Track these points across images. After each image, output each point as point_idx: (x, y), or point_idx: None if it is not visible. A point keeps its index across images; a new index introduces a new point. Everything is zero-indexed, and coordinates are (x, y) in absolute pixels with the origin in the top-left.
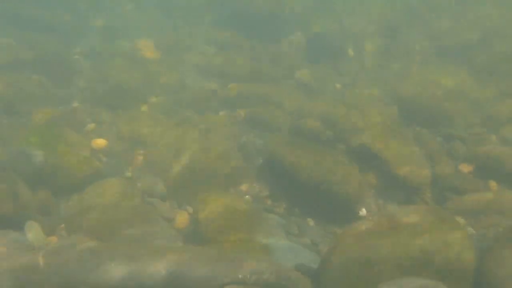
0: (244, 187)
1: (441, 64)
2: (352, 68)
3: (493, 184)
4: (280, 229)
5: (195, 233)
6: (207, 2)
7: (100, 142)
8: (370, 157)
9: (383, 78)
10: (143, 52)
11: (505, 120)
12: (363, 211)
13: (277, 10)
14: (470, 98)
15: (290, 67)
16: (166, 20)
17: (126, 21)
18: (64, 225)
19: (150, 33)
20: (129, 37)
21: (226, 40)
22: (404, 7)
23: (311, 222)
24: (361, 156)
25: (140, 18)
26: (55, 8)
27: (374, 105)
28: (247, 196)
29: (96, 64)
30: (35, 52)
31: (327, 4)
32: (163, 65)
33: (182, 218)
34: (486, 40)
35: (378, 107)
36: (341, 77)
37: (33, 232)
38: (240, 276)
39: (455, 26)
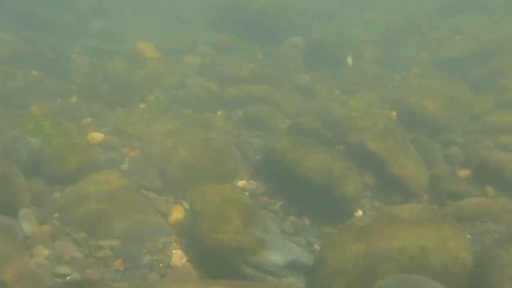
0: (240, 183)
1: (439, 75)
2: (351, 76)
3: (490, 190)
4: (275, 226)
5: (190, 226)
6: (207, 6)
7: (96, 136)
8: (369, 157)
9: (382, 86)
10: (142, 52)
11: (503, 128)
12: (359, 213)
13: (278, 15)
14: (468, 107)
15: (289, 71)
16: (166, 25)
17: (126, 24)
18: (58, 214)
19: (150, 36)
20: (129, 38)
21: (226, 43)
22: (403, 18)
23: (306, 221)
24: (360, 156)
25: (140, 23)
26: (56, 8)
27: (373, 108)
28: (245, 193)
29: (95, 62)
30: (35, 48)
31: (327, 12)
32: (162, 65)
33: (177, 213)
34: (484, 53)
35: (378, 109)
36: (340, 83)
37: (27, 220)
38: None
39: (453, 38)
